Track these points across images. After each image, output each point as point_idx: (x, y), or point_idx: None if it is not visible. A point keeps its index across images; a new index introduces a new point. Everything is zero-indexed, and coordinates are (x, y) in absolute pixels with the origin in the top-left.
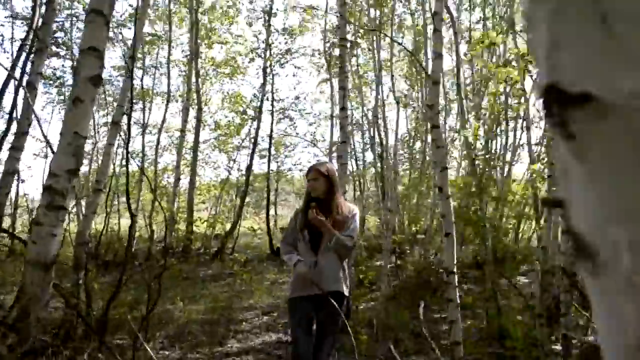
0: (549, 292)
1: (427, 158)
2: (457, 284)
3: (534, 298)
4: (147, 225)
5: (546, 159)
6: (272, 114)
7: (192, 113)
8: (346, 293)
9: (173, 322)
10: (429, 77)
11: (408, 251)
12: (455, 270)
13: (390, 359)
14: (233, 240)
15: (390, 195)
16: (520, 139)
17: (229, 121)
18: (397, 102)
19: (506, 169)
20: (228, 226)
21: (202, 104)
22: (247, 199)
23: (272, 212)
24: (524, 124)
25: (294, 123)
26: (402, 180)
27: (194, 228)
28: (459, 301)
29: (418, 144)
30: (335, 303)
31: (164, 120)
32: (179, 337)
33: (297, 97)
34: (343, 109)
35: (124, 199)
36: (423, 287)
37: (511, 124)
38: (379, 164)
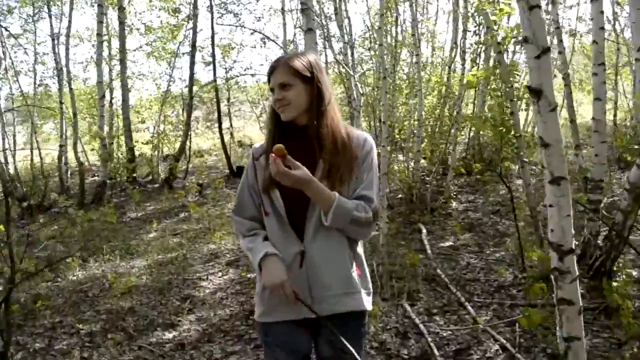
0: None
1: (398, 49)
2: (574, 266)
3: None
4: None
5: None
6: (211, 10)
7: (114, 15)
8: (368, 307)
9: (106, 295)
10: None
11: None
12: (573, 246)
13: (410, 325)
14: (185, 162)
15: (358, 99)
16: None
17: (161, 22)
18: None
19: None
20: (177, 146)
21: (124, 2)
22: (197, 113)
23: (226, 124)
24: None
25: (239, 19)
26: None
27: (136, 152)
28: (580, 303)
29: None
30: (351, 330)
31: (70, 22)
32: (114, 322)
33: None
34: None
35: (47, 126)
36: (417, 206)
37: None
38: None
